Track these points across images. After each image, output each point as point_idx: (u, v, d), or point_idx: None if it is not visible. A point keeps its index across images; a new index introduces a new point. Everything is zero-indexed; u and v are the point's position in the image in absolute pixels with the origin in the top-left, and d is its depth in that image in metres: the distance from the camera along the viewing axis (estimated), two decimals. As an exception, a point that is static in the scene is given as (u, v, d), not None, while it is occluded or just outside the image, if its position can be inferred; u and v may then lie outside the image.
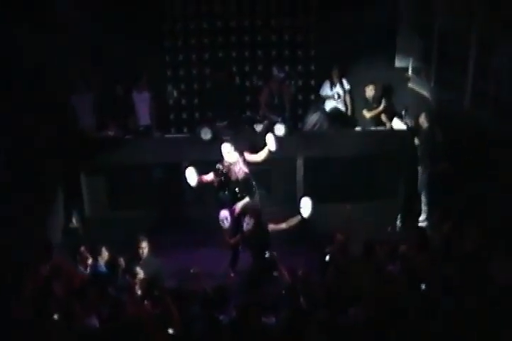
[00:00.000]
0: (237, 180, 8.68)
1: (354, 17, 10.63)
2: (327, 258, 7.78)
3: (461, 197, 8.78)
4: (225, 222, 8.44)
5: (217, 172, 8.77)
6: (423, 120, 9.56)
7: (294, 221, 8.09)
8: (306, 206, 8.11)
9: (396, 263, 7.06)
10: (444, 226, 7.60)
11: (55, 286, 6.73)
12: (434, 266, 6.76)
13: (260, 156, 8.83)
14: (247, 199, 8.68)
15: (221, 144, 8.77)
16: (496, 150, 7.98)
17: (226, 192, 8.77)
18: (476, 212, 8.23)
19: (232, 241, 8.52)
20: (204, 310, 6.29)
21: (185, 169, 8.77)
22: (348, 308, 6.02)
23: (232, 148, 8.67)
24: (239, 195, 8.71)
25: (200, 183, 8.71)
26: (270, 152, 8.75)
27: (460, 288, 6.10)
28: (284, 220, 8.10)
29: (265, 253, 8.14)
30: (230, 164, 8.67)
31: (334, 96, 11.21)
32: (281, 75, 10.64)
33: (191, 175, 8.70)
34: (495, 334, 5.46)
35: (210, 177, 8.79)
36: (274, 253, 8.12)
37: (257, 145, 9.14)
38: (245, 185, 8.71)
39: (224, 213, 8.47)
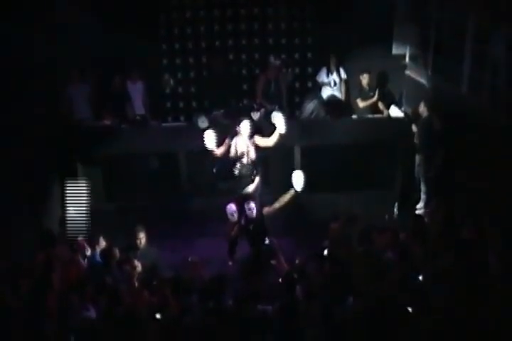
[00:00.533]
0: (246, 160, 8.63)
1: (351, 4, 10.58)
2: (325, 252, 7.80)
3: (457, 185, 8.80)
4: (234, 215, 8.41)
5: (228, 147, 8.66)
6: (422, 109, 9.55)
7: (286, 197, 8.10)
8: (298, 179, 8.11)
9: (395, 251, 7.05)
10: (439, 213, 7.59)
11: (53, 277, 6.73)
12: (429, 253, 6.77)
13: (272, 140, 8.59)
14: (255, 184, 8.66)
15: (240, 123, 8.65)
16: (492, 137, 7.97)
17: (236, 170, 8.60)
18: (473, 199, 8.25)
19: (233, 232, 8.50)
20: (202, 300, 6.31)
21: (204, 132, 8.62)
22: (345, 298, 6.04)
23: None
24: (248, 177, 8.65)
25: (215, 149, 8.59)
26: (280, 135, 8.52)
27: (455, 276, 6.11)
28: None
29: (265, 240, 8.20)
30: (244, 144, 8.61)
31: (330, 84, 11.17)
32: (278, 63, 10.62)
33: (210, 138, 8.57)
34: (488, 324, 5.47)
35: (222, 149, 8.66)
36: (274, 240, 8.14)
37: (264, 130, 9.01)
38: (254, 168, 8.66)
39: (232, 207, 8.43)
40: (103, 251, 7.55)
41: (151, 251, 7.88)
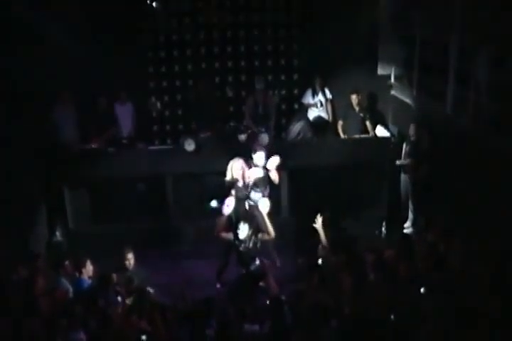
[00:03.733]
0: (242, 184, 8.72)
1: (336, 26, 10.68)
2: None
3: (444, 204, 8.82)
4: (227, 208, 8.36)
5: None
6: (412, 130, 9.60)
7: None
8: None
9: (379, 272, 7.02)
10: (428, 234, 7.60)
11: (40, 301, 6.66)
12: (416, 273, 6.75)
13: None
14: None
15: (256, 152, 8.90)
16: (478, 156, 8.01)
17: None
18: (459, 217, 8.27)
19: (222, 235, 8.40)
20: (190, 323, 6.25)
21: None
22: (329, 320, 5.99)
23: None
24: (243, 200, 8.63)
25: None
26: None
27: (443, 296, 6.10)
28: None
29: (255, 260, 8.15)
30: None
31: (317, 105, 11.24)
32: (260, 86, 10.69)
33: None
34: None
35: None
36: (265, 260, 8.11)
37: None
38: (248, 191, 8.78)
39: (230, 199, 8.40)
40: (101, 277, 7.46)
41: (140, 273, 7.81)
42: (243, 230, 8.22)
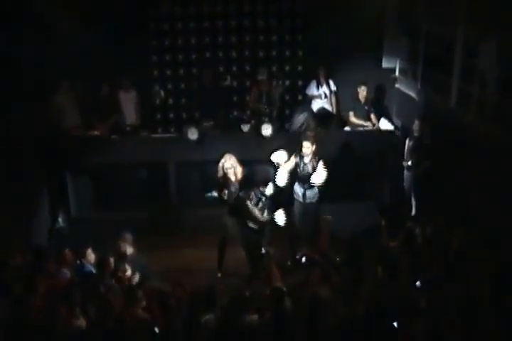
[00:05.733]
0: (234, 179, 8.64)
1: (342, 17, 10.65)
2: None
3: (445, 197, 8.84)
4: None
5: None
6: (417, 128, 9.57)
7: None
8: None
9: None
10: (427, 228, 7.62)
11: (40, 286, 6.68)
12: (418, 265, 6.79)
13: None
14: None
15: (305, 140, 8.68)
16: (481, 150, 8.02)
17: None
18: (459, 211, 8.29)
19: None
20: (190, 311, 6.27)
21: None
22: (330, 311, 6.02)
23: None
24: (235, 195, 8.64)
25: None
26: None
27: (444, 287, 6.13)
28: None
29: (261, 250, 8.29)
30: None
31: (321, 96, 11.23)
32: (263, 76, 10.67)
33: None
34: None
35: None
36: (270, 250, 8.18)
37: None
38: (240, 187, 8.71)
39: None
40: (99, 261, 7.49)
41: (140, 258, 7.82)
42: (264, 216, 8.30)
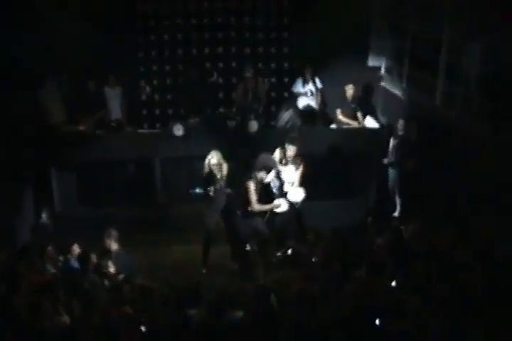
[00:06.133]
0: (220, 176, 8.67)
1: (328, 15, 10.68)
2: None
3: (430, 195, 8.90)
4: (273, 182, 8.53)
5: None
6: (401, 127, 9.63)
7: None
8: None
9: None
10: (410, 227, 7.67)
11: (23, 283, 6.65)
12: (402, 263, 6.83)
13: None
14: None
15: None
16: (465, 148, 8.09)
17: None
18: (445, 209, 8.35)
19: (256, 207, 8.38)
20: (176, 307, 6.28)
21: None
22: (316, 308, 6.04)
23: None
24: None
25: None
26: None
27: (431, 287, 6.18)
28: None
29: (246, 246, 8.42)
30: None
31: (307, 94, 11.25)
32: (250, 73, 10.69)
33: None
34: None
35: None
36: (255, 246, 8.21)
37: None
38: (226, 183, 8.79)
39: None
40: (80, 256, 7.47)
41: (125, 255, 7.80)
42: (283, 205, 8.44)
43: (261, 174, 8.24)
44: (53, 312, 6.11)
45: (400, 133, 9.66)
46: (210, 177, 8.55)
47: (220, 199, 8.68)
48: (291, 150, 8.83)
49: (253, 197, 8.27)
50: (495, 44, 7.61)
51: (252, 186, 8.25)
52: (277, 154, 8.93)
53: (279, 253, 8.97)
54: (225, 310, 6.08)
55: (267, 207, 8.42)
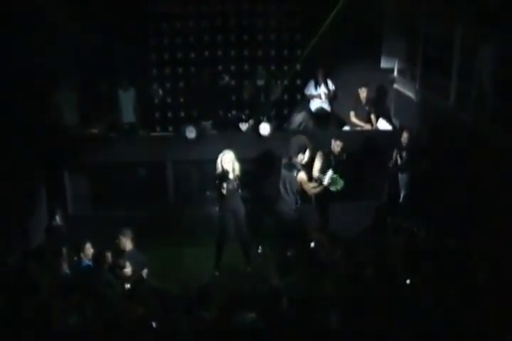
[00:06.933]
0: (232, 176, 8.72)
1: (341, 17, 10.65)
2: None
3: (443, 198, 8.85)
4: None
5: None
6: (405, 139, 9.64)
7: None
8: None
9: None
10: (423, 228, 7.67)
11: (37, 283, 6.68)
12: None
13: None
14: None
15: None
16: (478, 150, 8.04)
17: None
18: (456, 213, 8.31)
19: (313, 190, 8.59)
20: (188, 309, 6.29)
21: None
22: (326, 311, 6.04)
23: None
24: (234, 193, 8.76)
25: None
26: None
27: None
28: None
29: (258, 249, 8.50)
30: None
31: (320, 96, 11.24)
32: (261, 75, 10.73)
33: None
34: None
35: None
36: (267, 249, 8.23)
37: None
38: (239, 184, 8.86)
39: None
40: (95, 256, 7.50)
41: (138, 254, 7.83)
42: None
43: (299, 156, 8.35)
44: (66, 312, 6.13)
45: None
46: (223, 177, 8.56)
47: (233, 199, 8.68)
48: (338, 145, 9.32)
49: (310, 185, 8.49)
50: (508, 44, 7.55)
51: (304, 176, 8.42)
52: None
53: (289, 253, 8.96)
54: (237, 312, 6.09)
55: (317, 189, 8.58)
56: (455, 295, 5.91)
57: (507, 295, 5.80)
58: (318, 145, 9.26)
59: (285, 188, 8.55)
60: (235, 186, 8.63)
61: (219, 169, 8.63)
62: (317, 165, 9.25)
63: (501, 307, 5.67)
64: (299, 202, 8.58)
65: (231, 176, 8.60)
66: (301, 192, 8.59)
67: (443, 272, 6.49)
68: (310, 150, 8.50)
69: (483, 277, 6.16)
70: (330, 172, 8.50)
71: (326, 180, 8.45)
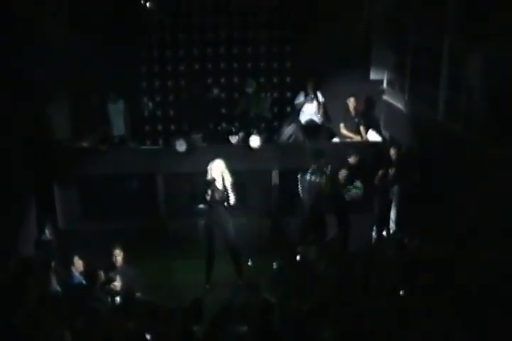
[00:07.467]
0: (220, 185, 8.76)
1: (330, 29, 10.71)
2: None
3: (432, 209, 8.85)
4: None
5: None
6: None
7: None
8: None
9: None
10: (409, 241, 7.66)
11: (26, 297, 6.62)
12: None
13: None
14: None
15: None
16: (468, 161, 8.05)
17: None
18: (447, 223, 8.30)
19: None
20: (179, 323, 6.24)
21: None
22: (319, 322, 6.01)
23: None
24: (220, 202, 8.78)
25: None
26: None
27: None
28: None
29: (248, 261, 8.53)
30: None
31: (309, 108, 11.23)
32: (251, 88, 10.73)
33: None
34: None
35: None
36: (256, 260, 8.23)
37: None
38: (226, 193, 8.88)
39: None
40: (88, 273, 7.45)
41: (128, 271, 7.79)
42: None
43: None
44: (55, 326, 6.07)
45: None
46: (209, 184, 8.55)
47: (219, 210, 8.66)
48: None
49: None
50: (495, 54, 7.58)
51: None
52: None
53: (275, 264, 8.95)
54: (228, 325, 6.05)
55: None
56: (448, 306, 5.89)
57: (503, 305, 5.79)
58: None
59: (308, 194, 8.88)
60: (223, 196, 8.60)
61: (207, 176, 8.63)
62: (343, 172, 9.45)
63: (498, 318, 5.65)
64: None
65: (219, 185, 8.60)
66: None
67: (436, 282, 6.47)
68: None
69: (475, 288, 6.15)
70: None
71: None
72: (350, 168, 9.45)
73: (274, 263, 8.80)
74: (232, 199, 8.69)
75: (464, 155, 8.21)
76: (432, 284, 6.40)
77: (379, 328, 5.81)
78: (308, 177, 8.97)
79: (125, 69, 10.70)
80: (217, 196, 8.59)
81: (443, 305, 5.92)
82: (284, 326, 6.14)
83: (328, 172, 9.03)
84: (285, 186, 10.28)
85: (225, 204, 8.72)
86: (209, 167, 8.65)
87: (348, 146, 10.47)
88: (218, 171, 8.62)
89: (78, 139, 10.31)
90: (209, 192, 8.55)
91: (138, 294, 7.43)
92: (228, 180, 8.66)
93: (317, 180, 8.90)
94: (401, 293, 6.52)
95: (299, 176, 9.25)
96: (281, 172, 10.31)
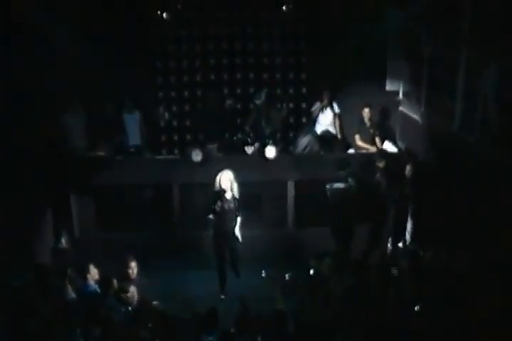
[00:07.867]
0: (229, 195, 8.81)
1: (345, 40, 10.73)
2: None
3: (447, 220, 8.80)
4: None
5: None
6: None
7: None
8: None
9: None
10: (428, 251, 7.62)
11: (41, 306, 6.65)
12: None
13: None
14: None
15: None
16: (484, 172, 8.00)
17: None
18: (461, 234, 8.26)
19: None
20: (194, 333, 6.24)
21: None
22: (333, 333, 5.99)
23: None
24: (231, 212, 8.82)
25: None
26: None
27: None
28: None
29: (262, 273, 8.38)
30: None
31: (325, 119, 11.23)
32: (262, 99, 10.75)
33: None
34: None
35: None
36: (271, 273, 8.21)
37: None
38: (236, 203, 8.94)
39: None
40: (101, 281, 7.47)
41: (142, 280, 7.80)
42: None
43: None
44: (69, 334, 6.10)
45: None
46: (219, 195, 8.56)
47: (228, 220, 8.67)
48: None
49: None
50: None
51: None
52: None
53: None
54: (242, 336, 6.05)
55: None
56: (462, 319, 5.85)
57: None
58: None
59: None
60: (232, 207, 8.62)
61: (216, 187, 8.64)
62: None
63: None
64: None
65: (228, 195, 8.62)
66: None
67: (450, 295, 6.43)
68: None
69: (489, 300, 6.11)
70: None
71: None
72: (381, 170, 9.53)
73: (287, 275, 8.74)
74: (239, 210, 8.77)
75: (479, 166, 8.17)
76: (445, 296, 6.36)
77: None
78: (337, 185, 8.94)
79: (141, 79, 10.77)
80: (225, 206, 8.61)
81: (457, 316, 5.88)
82: (298, 337, 6.12)
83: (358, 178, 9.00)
84: (300, 197, 10.28)
85: (235, 214, 8.72)
86: (218, 177, 8.67)
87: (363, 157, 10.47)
88: (227, 182, 8.64)
89: (94, 149, 10.37)
90: (218, 202, 8.57)
91: (155, 302, 7.42)
92: (236, 191, 8.68)
93: (348, 187, 8.88)
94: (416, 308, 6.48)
95: (327, 186, 9.20)
96: (296, 183, 10.29)
